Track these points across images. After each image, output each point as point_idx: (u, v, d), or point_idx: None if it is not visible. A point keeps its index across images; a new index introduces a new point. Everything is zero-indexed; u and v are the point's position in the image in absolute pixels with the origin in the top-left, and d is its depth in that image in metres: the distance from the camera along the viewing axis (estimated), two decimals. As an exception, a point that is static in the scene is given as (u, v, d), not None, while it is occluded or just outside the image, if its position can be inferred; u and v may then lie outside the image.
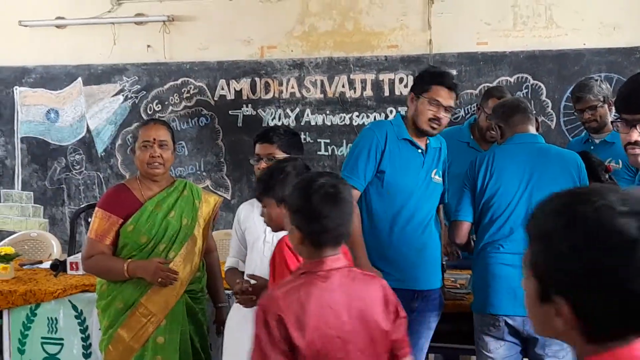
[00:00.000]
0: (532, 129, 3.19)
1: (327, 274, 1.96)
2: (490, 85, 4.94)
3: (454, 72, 4.99)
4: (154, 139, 3.10)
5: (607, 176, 3.46)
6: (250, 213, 3.04)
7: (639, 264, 1.08)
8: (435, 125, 3.14)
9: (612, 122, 3.77)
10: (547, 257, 1.17)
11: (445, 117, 3.14)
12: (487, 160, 3.14)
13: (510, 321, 2.96)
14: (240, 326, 2.85)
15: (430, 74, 3.25)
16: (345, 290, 1.97)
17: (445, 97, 3.13)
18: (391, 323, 2.04)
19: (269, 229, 2.75)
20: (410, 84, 5.06)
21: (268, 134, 3.17)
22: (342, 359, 1.93)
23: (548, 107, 4.95)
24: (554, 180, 3.00)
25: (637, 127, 2.10)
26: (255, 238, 2.95)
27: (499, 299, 2.98)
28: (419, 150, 3.19)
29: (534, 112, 3.28)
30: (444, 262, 3.40)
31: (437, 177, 3.26)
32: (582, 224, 1.12)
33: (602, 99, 3.88)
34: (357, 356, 1.95)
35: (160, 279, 2.97)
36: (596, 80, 4.00)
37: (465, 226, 3.18)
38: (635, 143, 2.11)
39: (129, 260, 3.03)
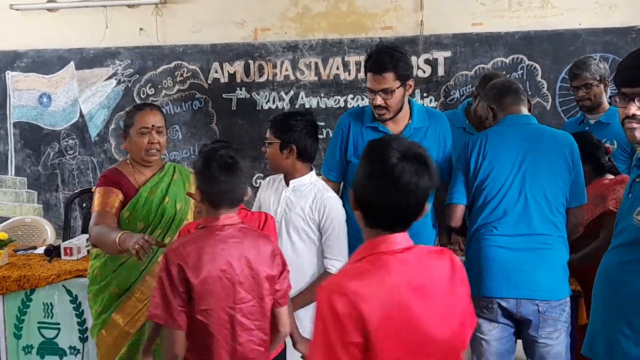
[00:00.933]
0: (525, 110, 3.18)
1: (222, 228, 2.34)
2: (486, 66, 4.92)
3: (449, 54, 4.98)
4: (152, 125, 3.09)
5: (607, 158, 3.46)
6: (267, 189, 3.14)
7: (394, 179, 1.70)
8: (380, 112, 3.10)
9: (610, 97, 3.78)
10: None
11: (383, 101, 3.07)
12: (479, 142, 3.12)
13: (503, 303, 2.97)
14: None
15: (365, 63, 3.19)
16: (237, 241, 2.34)
17: (373, 82, 3.09)
18: (278, 273, 2.43)
19: (279, 206, 3.00)
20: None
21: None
22: (230, 296, 2.31)
23: (543, 87, 4.93)
24: (547, 161, 3.00)
25: (636, 101, 2.10)
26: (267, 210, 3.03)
27: (492, 281, 2.99)
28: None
29: (527, 93, 3.23)
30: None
31: None
32: (371, 155, 1.80)
33: (598, 78, 3.87)
34: (244, 295, 2.33)
35: (137, 246, 2.63)
36: (594, 59, 3.98)
37: (459, 209, 3.17)
38: (633, 117, 2.12)
39: (121, 232, 2.89)
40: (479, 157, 3.10)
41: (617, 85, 2.18)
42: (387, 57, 3.05)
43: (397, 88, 3.08)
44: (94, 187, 3.19)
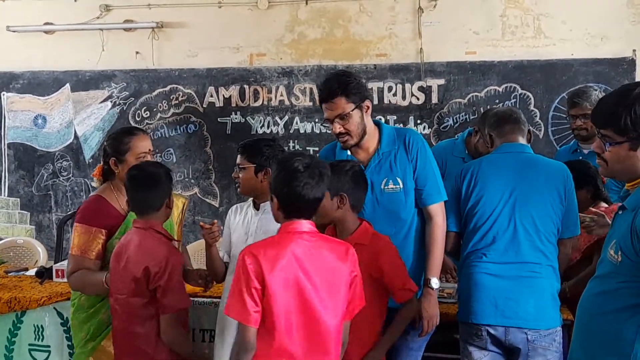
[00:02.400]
0: (522, 140, 3.19)
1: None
2: (479, 94, 4.96)
3: (443, 81, 5.03)
4: (149, 150, 3.12)
5: (603, 186, 3.49)
6: (235, 216, 3.16)
7: (294, 180, 2.36)
8: (343, 140, 3.01)
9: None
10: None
11: (342, 127, 2.99)
12: (472, 169, 3.13)
13: (492, 331, 2.96)
14: (229, 331, 2.91)
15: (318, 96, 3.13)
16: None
17: (327, 111, 3.02)
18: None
19: (251, 233, 3.01)
20: (400, 92, 5.14)
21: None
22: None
23: (536, 116, 4.97)
24: (538, 190, 3.00)
25: (601, 140, 2.18)
26: (239, 240, 3.05)
27: (481, 308, 2.98)
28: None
29: (526, 123, 3.25)
30: None
31: (391, 184, 3.06)
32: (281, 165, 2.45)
33: (596, 109, 3.89)
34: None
35: (200, 281, 3.06)
36: (595, 89, 4.00)
37: (451, 236, 3.18)
38: (597, 154, 2.21)
39: (107, 273, 2.93)
40: (471, 183, 3.10)
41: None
42: (335, 83, 2.96)
43: (352, 111, 2.96)
44: (76, 219, 3.08)
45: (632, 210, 2.10)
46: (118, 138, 3.15)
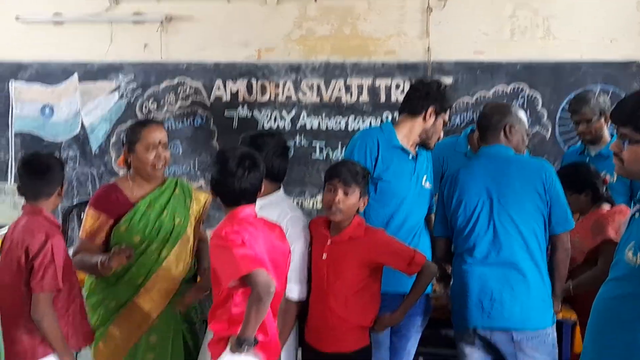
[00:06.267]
0: (501, 137, 3.15)
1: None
2: (487, 93, 4.97)
3: (450, 80, 5.03)
4: (159, 141, 3.13)
5: (604, 188, 3.48)
6: None
7: (228, 173, 2.59)
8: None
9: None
10: None
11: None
12: (452, 175, 3.19)
13: (479, 332, 2.99)
14: None
15: (448, 97, 3.31)
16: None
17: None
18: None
19: None
20: (406, 90, 5.15)
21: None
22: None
23: (544, 117, 4.97)
24: (514, 189, 3.01)
25: (620, 139, 2.18)
26: None
27: (466, 311, 3.02)
28: (410, 157, 3.21)
29: (504, 119, 3.19)
30: None
31: (427, 183, 3.29)
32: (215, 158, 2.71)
33: (598, 113, 3.90)
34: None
35: (116, 256, 2.92)
36: (594, 93, 4.02)
37: (440, 242, 3.23)
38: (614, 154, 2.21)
39: (103, 255, 2.98)
40: (450, 189, 3.15)
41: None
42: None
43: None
44: (89, 203, 3.22)
45: None
46: (131, 128, 3.24)
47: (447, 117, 3.30)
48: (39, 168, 2.89)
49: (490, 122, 3.18)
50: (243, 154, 2.67)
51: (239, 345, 2.50)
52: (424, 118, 3.22)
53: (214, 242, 2.60)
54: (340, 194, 2.91)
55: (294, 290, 2.93)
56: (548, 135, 4.96)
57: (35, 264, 2.73)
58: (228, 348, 2.57)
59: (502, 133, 3.15)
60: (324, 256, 2.95)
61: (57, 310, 2.80)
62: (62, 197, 3.00)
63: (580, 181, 3.44)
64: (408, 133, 3.23)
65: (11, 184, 5.63)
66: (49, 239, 2.77)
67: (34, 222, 2.83)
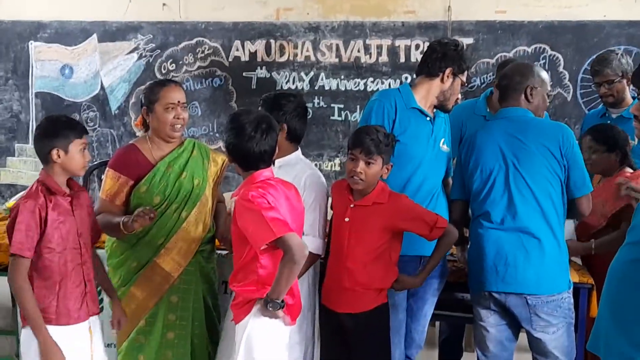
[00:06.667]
0: (521, 98, 3.10)
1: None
2: (508, 54, 4.90)
3: (471, 41, 4.97)
4: (178, 101, 3.12)
5: (630, 152, 3.47)
6: None
7: (245, 136, 2.62)
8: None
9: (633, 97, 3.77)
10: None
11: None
12: (470, 137, 3.17)
13: (495, 295, 3.00)
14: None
15: (466, 58, 3.28)
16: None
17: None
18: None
19: None
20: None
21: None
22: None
23: (565, 78, 4.91)
24: (529, 152, 2.98)
25: None
26: None
27: (482, 275, 3.02)
28: (428, 119, 3.20)
29: (525, 80, 3.15)
30: None
31: (445, 146, 3.28)
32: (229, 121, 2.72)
33: (620, 74, 3.84)
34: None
35: (140, 216, 2.91)
36: (617, 54, 3.94)
37: (457, 204, 3.23)
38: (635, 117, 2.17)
39: (125, 217, 3.00)
40: (468, 152, 3.13)
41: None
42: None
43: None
44: (108, 164, 3.22)
45: None
46: (150, 88, 3.22)
47: (464, 79, 3.27)
48: (36, 130, 2.88)
49: (512, 82, 3.13)
50: (259, 116, 2.69)
51: (268, 306, 2.55)
52: (442, 80, 3.19)
53: (241, 205, 2.61)
54: (362, 164, 2.89)
55: (309, 242, 2.90)
56: (570, 97, 4.91)
57: (8, 225, 2.75)
58: (255, 309, 2.62)
59: (522, 95, 3.10)
60: (347, 219, 2.96)
61: (52, 279, 2.76)
62: (74, 160, 2.80)
63: (614, 140, 3.42)
64: (426, 95, 3.21)
65: (32, 144, 5.67)
66: (20, 203, 2.74)
67: (30, 186, 2.83)
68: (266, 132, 2.64)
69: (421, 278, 3.01)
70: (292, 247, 2.49)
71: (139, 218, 2.90)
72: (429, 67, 3.22)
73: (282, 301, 2.57)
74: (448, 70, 3.18)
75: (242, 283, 2.67)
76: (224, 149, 2.85)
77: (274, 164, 2.80)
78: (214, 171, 3.28)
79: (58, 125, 2.83)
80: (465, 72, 3.26)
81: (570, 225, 3.33)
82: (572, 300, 3.02)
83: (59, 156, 2.78)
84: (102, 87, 5.56)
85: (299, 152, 3.18)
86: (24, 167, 5.70)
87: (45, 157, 2.80)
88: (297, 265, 2.52)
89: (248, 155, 2.65)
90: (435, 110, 3.25)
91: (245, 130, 2.62)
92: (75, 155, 2.80)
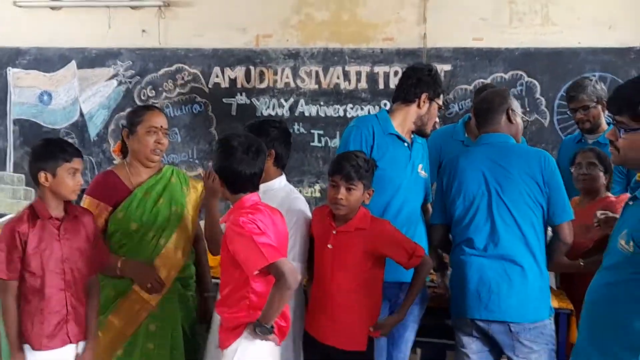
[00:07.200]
0: (502, 122, 3.11)
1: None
2: (485, 81, 4.95)
3: (448, 67, 5.02)
4: (161, 126, 3.13)
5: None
6: None
7: (236, 159, 2.64)
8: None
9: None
10: None
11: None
12: (452, 162, 3.16)
13: (477, 322, 3.00)
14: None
15: (440, 82, 3.31)
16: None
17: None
18: None
19: None
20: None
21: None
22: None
23: (542, 104, 4.97)
24: (512, 179, 2.99)
25: (616, 127, 2.19)
26: None
27: (465, 301, 3.02)
28: (405, 144, 3.23)
29: (505, 102, 3.18)
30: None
31: (423, 172, 3.30)
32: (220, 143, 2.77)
33: (595, 100, 3.89)
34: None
35: (149, 285, 3.04)
36: (591, 80, 4.00)
37: (437, 228, 3.23)
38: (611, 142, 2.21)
39: (122, 258, 3.03)
40: (450, 177, 3.13)
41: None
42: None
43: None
44: (86, 191, 3.19)
45: None
46: (134, 111, 3.25)
47: (441, 102, 3.30)
48: (31, 151, 2.88)
49: (492, 105, 3.13)
50: (249, 139, 2.72)
51: (257, 331, 2.56)
52: (418, 105, 3.23)
53: (231, 230, 2.62)
54: (343, 190, 2.90)
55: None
56: (546, 123, 4.96)
57: None
58: (246, 333, 2.62)
59: (503, 116, 3.12)
60: (329, 246, 2.96)
61: (32, 303, 2.77)
62: (63, 184, 2.78)
63: (609, 163, 3.48)
64: (403, 120, 3.24)
65: (10, 171, 5.63)
66: (4, 227, 2.76)
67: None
68: (256, 154, 2.68)
69: (402, 313, 3.00)
70: (285, 273, 2.49)
71: (153, 289, 3.04)
72: (404, 94, 3.25)
73: (272, 326, 2.56)
74: (424, 96, 3.21)
75: (234, 309, 2.66)
76: (203, 176, 2.86)
77: (258, 188, 2.81)
78: (193, 198, 3.27)
79: (48, 148, 2.82)
80: (441, 96, 3.30)
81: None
82: (553, 327, 3.03)
83: (46, 179, 2.77)
84: (81, 114, 5.54)
85: (283, 177, 3.19)
86: (1, 195, 5.65)
87: (34, 180, 2.80)
88: (289, 291, 2.53)
89: (238, 177, 2.67)
90: (413, 135, 3.28)
91: (237, 152, 2.65)
92: (64, 179, 2.78)
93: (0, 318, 2.83)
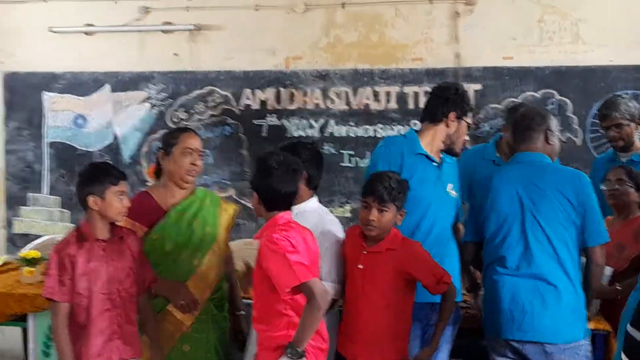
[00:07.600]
0: (539, 143, 3.11)
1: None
2: (516, 100, 4.93)
3: (479, 87, 5.02)
4: (196, 148, 3.18)
5: None
6: None
7: (275, 177, 2.70)
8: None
9: None
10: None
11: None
12: (484, 181, 3.17)
13: (511, 342, 2.97)
14: None
15: (468, 100, 3.31)
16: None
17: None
18: None
19: None
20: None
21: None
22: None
23: (574, 123, 4.93)
24: (547, 199, 2.97)
25: None
26: None
27: (498, 322, 3.00)
28: (434, 164, 3.22)
29: (544, 123, 3.16)
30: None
31: (453, 191, 3.28)
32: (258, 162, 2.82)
33: (628, 117, 3.86)
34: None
35: (182, 303, 3.06)
36: (624, 97, 3.97)
37: (468, 246, 3.21)
38: None
39: (157, 277, 3.07)
40: (483, 195, 3.13)
41: None
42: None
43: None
44: None
45: None
46: (170, 132, 3.33)
47: (470, 120, 3.29)
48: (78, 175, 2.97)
49: (532, 123, 3.13)
50: (287, 159, 2.78)
51: (288, 354, 2.57)
52: (447, 124, 3.23)
53: (265, 247, 2.66)
54: (375, 212, 2.91)
55: (331, 289, 2.91)
56: (579, 142, 4.92)
57: None
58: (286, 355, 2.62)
59: (542, 136, 3.11)
60: (360, 266, 2.96)
61: (79, 323, 2.84)
62: (112, 206, 2.84)
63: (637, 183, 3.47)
64: (431, 140, 3.24)
65: (46, 194, 5.72)
66: (53, 249, 2.83)
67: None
68: (294, 174, 2.74)
69: (435, 342, 3.00)
70: (316, 294, 2.52)
71: (187, 307, 3.07)
72: (432, 113, 3.25)
73: (303, 351, 2.56)
74: (452, 115, 3.21)
75: (270, 326, 2.68)
76: (235, 197, 2.90)
77: (292, 207, 2.84)
78: (225, 219, 3.30)
79: (95, 172, 2.91)
80: (470, 114, 3.29)
81: (609, 271, 3.29)
82: (589, 348, 2.98)
83: (95, 203, 2.83)
84: (115, 137, 5.62)
85: (315, 198, 3.21)
86: (37, 217, 5.71)
87: (83, 204, 2.87)
88: (320, 312, 2.55)
89: (276, 195, 2.72)
90: (443, 155, 3.27)
91: (275, 171, 2.71)
92: (112, 202, 2.85)
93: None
